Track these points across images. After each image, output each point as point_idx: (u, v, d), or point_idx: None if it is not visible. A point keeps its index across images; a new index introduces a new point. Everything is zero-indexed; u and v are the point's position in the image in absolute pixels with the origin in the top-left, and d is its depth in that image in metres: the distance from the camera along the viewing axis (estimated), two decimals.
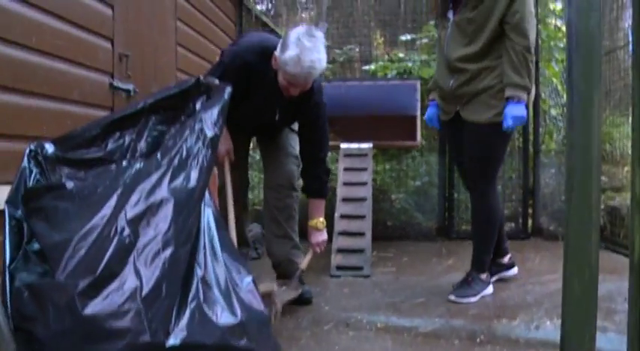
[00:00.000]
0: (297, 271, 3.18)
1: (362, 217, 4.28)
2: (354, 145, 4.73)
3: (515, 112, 2.96)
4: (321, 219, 3.16)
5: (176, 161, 1.71)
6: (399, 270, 4.08)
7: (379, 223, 5.15)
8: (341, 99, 4.67)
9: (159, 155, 1.77)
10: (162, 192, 1.65)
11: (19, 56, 2.32)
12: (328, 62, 7.50)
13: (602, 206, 5.39)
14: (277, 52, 2.80)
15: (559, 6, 6.27)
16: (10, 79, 2.27)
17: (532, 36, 2.98)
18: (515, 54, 2.94)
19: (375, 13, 7.39)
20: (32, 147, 2.03)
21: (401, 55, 6.71)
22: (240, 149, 3.34)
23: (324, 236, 3.20)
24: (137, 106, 2.08)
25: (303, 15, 7.30)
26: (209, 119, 1.78)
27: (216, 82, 2.04)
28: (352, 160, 4.65)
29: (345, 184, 4.50)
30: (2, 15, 2.22)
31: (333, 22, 7.50)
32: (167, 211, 1.62)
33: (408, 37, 5.97)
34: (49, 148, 2.05)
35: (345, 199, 4.40)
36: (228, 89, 1.95)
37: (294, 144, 3.29)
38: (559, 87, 5.80)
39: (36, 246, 1.85)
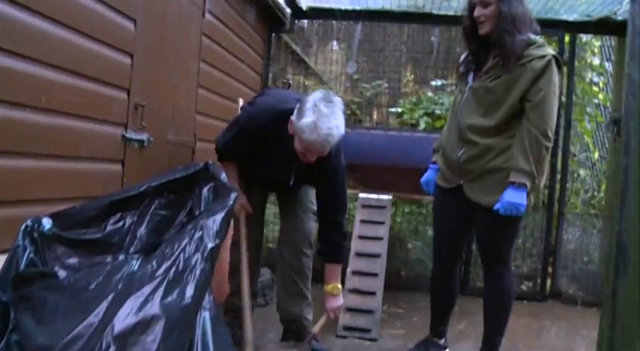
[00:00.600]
0: (309, 335, 3.16)
1: (374, 274, 4.14)
2: (373, 196, 4.60)
3: (512, 198, 2.78)
4: (338, 284, 3.10)
5: (171, 273, 1.60)
6: (408, 332, 3.94)
7: (392, 273, 5.02)
8: (364, 147, 4.56)
9: (154, 263, 1.65)
10: (154, 308, 1.53)
11: (25, 118, 2.21)
12: (356, 96, 7.44)
13: None
14: (294, 118, 2.74)
15: (596, 61, 6.09)
16: (13, 143, 2.16)
17: (552, 120, 2.82)
18: (529, 138, 2.77)
19: (407, 49, 7.27)
20: (29, 223, 1.94)
21: (430, 94, 6.59)
22: (257, 202, 3.29)
23: (340, 302, 3.14)
24: (140, 187, 1.98)
25: (334, 46, 7.19)
26: (211, 228, 1.66)
27: (225, 177, 1.94)
28: (370, 211, 4.51)
29: (361, 237, 4.36)
30: (8, 77, 2.12)
31: (363, 56, 7.40)
32: (157, 331, 1.50)
33: (439, 82, 5.85)
34: (47, 223, 1.96)
35: (359, 254, 4.26)
36: (234, 195, 1.84)
37: (314, 199, 3.22)
38: (590, 145, 5.62)
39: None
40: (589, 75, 6.02)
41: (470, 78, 3.02)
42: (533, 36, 2.90)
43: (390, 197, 4.61)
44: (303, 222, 3.22)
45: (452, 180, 3.09)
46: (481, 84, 2.93)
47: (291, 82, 5.36)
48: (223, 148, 3.15)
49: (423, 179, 3.32)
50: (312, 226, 3.24)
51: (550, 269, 5.26)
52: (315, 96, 2.73)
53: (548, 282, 5.26)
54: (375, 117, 7.29)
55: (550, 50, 2.88)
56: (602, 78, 5.96)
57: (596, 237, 5.35)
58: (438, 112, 5.87)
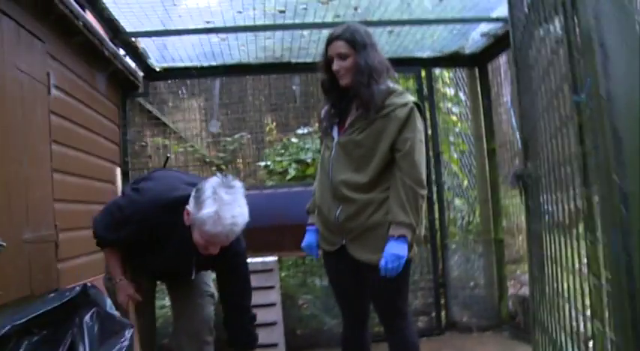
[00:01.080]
0: None
1: (274, 345, 3.88)
2: (258, 260, 4.35)
3: (394, 250, 2.67)
4: None
5: None
6: None
7: (288, 333, 4.76)
8: None
9: None
10: None
11: None
12: (220, 151, 7.18)
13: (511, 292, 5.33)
14: (191, 208, 2.51)
15: (449, 91, 6.29)
16: None
17: (423, 167, 2.77)
18: (405, 188, 2.71)
19: (266, 98, 7.14)
20: None
21: (294, 140, 6.48)
22: (147, 289, 2.98)
23: None
24: (1, 330, 1.60)
25: (193, 102, 6.91)
26: None
27: (111, 305, 1.63)
28: (257, 277, 4.23)
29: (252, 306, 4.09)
30: None
31: (222, 109, 7.17)
32: None
33: (305, 130, 5.75)
34: None
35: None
36: (129, 332, 1.54)
37: (208, 280, 3.03)
38: (459, 174, 5.74)
39: None
40: (446, 105, 6.19)
41: (335, 132, 2.92)
42: (391, 84, 2.87)
43: (276, 259, 4.39)
44: (201, 307, 2.97)
45: (334, 241, 2.93)
46: (348, 138, 2.84)
47: (169, 155, 5.02)
48: (103, 235, 2.81)
49: (304, 243, 3.12)
50: (212, 310, 3.02)
51: (442, 301, 5.27)
52: (212, 182, 2.54)
53: (443, 314, 5.26)
54: (241, 170, 7.08)
55: (410, 97, 2.86)
56: (458, 107, 6.15)
57: (479, 261, 5.44)
58: (305, 158, 5.75)
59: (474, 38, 5.06)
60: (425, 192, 2.78)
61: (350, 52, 2.77)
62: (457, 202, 5.64)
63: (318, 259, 3.22)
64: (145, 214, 2.62)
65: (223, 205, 2.46)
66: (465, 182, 5.81)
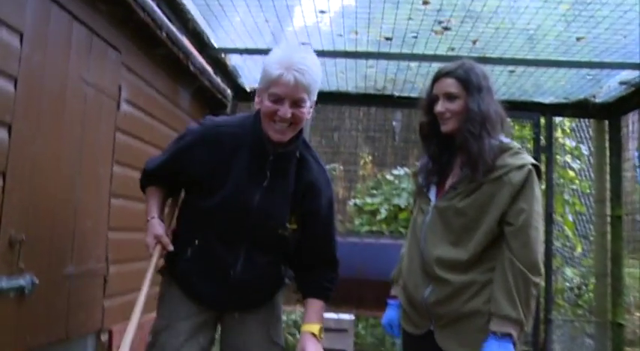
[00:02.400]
0: None
1: None
2: (332, 316, 3.84)
3: None
4: (321, 325, 2.33)
5: None
6: None
7: None
8: None
9: None
10: None
11: None
12: None
13: None
14: (259, 81, 2.18)
15: (569, 143, 5.59)
16: None
17: (540, 247, 2.18)
18: (514, 273, 2.14)
19: (363, 128, 6.69)
20: None
21: (389, 177, 6.00)
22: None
23: (320, 349, 2.29)
24: None
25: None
26: None
27: None
28: (329, 337, 3.71)
29: None
30: None
31: (315, 135, 6.78)
32: None
33: (402, 171, 5.22)
34: None
35: None
36: None
37: (279, 329, 2.42)
38: (573, 239, 5.01)
39: None
40: (563, 158, 5.50)
41: (432, 194, 2.38)
42: (505, 139, 2.31)
43: (353, 317, 3.86)
44: None
45: (419, 324, 2.37)
46: (449, 203, 2.29)
47: None
48: (153, 170, 2.39)
49: (384, 320, 2.59)
50: None
51: None
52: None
53: None
54: None
55: (528, 158, 2.28)
56: (577, 162, 5.44)
57: (589, 343, 4.70)
58: (399, 202, 5.23)
59: (610, 86, 4.36)
60: (540, 280, 2.20)
61: (461, 93, 2.27)
62: (567, 271, 4.90)
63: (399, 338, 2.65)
64: (215, 129, 2.26)
65: (290, 48, 2.21)
66: (579, 249, 5.09)
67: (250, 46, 3.79)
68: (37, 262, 2.35)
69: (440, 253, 2.27)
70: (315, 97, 2.15)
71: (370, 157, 6.81)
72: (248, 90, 4.71)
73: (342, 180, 6.86)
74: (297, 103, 2.07)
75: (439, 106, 2.28)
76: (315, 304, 2.33)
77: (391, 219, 5.96)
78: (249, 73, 4.45)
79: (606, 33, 3.43)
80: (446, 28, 3.38)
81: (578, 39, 3.53)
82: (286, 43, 2.16)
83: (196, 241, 2.23)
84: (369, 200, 5.51)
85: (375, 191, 6.17)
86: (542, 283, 2.14)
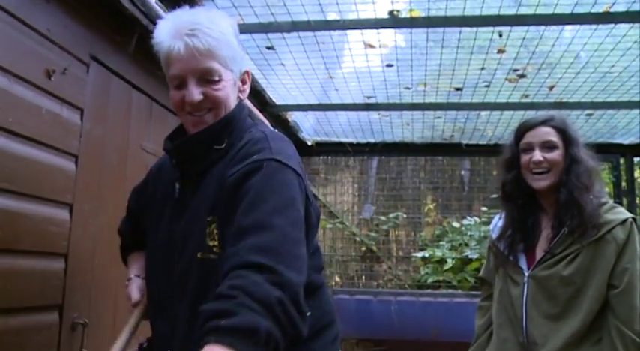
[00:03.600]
0: None
1: None
2: None
3: None
4: None
5: None
6: None
7: None
8: (390, 318, 3.66)
9: None
10: None
11: None
12: (371, 229, 6.55)
13: None
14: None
15: None
16: None
17: None
18: (624, 344, 1.85)
19: (426, 174, 6.47)
20: None
21: (455, 224, 5.75)
22: None
23: None
24: None
25: (347, 174, 6.39)
26: None
27: None
28: None
29: None
30: None
31: (378, 183, 6.60)
32: None
33: (471, 220, 4.96)
34: None
35: None
36: None
37: None
38: None
39: None
40: None
41: (523, 262, 2.08)
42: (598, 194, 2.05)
43: None
44: None
45: None
46: (551, 272, 1.99)
47: None
48: (122, 223, 1.88)
49: None
50: None
51: None
52: None
53: None
54: (394, 253, 6.41)
55: (625, 212, 2.03)
56: None
57: None
58: (469, 254, 4.97)
59: None
60: None
61: (559, 144, 2.03)
62: None
63: None
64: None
65: (176, 13, 1.50)
66: None
67: (312, 102, 3.67)
68: (99, 344, 2.22)
69: (546, 330, 1.98)
70: (238, 65, 1.54)
71: (434, 204, 6.58)
72: (309, 144, 4.59)
73: (405, 228, 6.67)
74: (204, 78, 1.46)
75: (536, 156, 2.02)
76: None
77: (458, 267, 5.69)
78: (310, 127, 4.34)
79: None
80: (521, 76, 3.17)
81: None
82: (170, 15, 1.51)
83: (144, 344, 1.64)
84: (437, 252, 5.27)
85: (439, 239, 5.95)
86: None
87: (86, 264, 2.18)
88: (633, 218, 1.98)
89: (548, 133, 2.03)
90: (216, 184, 1.43)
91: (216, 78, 1.46)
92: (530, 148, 2.05)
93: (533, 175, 2.03)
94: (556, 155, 2.00)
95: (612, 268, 1.91)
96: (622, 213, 1.99)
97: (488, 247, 2.26)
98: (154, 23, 2.31)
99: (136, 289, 1.64)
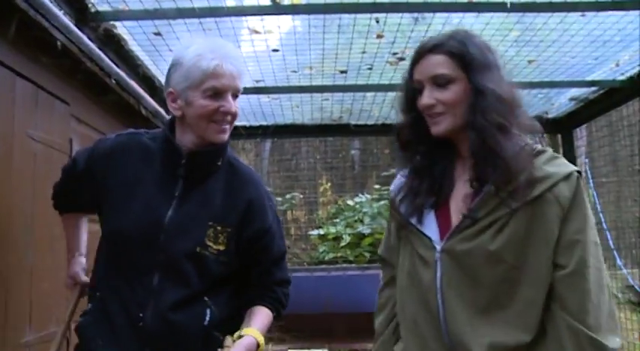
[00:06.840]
0: None
1: None
2: None
3: None
4: (256, 329, 1.77)
5: None
6: None
7: None
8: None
9: None
10: None
11: None
12: None
13: None
14: (173, 82, 1.78)
15: None
16: None
17: (605, 297, 1.47)
18: (578, 346, 1.40)
19: (321, 156, 6.65)
20: None
21: (350, 202, 5.98)
22: None
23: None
24: None
25: (242, 158, 6.49)
26: None
27: None
28: None
29: None
30: None
31: (272, 165, 6.72)
32: None
33: (363, 198, 5.19)
34: None
35: None
36: None
37: None
38: None
39: None
40: None
41: (431, 229, 1.56)
42: (528, 139, 1.57)
43: None
44: None
45: None
46: (473, 244, 1.48)
47: None
48: (64, 183, 2.06)
49: None
50: None
51: None
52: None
53: None
54: (292, 233, 6.57)
55: (569, 164, 1.53)
56: None
57: None
58: (362, 229, 5.20)
59: (561, 102, 4.47)
60: (617, 346, 1.43)
61: (456, 75, 1.52)
62: None
63: None
64: (117, 136, 1.95)
65: (213, 38, 1.93)
66: None
67: None
68: None
69: (471, 331, 1.48)
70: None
71: (329, 184, 6.78)
72: None
73: (301, 208, 6.82)
74: (236, 96, 1.79)
75: (424, 98, 1.54)
76: (262, 313, 1.85)
77: (354, 243, 5.93)
78: None
79: (555, 55, 3.51)
80: (401, 59, 3.37)
81: (529, 62, 3.58)
82: (203, 36, 1.88)
83: (97, 293, 1.82)
84: (332, 229, 5.47)
85: (336, 217, 6.14)
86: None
87: None
88: (579, 172, 1.50)
89: (440, 64, 1.51)
90: (226, 196, 1.82)
91: (238, 96, 1.81)
92: (415, 90, 1.56)
93: (429, 119, 1.55)
94: (451, 93, 1.51)
95: (557, 241, 1.45)
96: (565, 165, 1.51)
97: (390, 214, 1.76)
98: (35, 8, 2.31)
99: (81, 272, 2.04)
